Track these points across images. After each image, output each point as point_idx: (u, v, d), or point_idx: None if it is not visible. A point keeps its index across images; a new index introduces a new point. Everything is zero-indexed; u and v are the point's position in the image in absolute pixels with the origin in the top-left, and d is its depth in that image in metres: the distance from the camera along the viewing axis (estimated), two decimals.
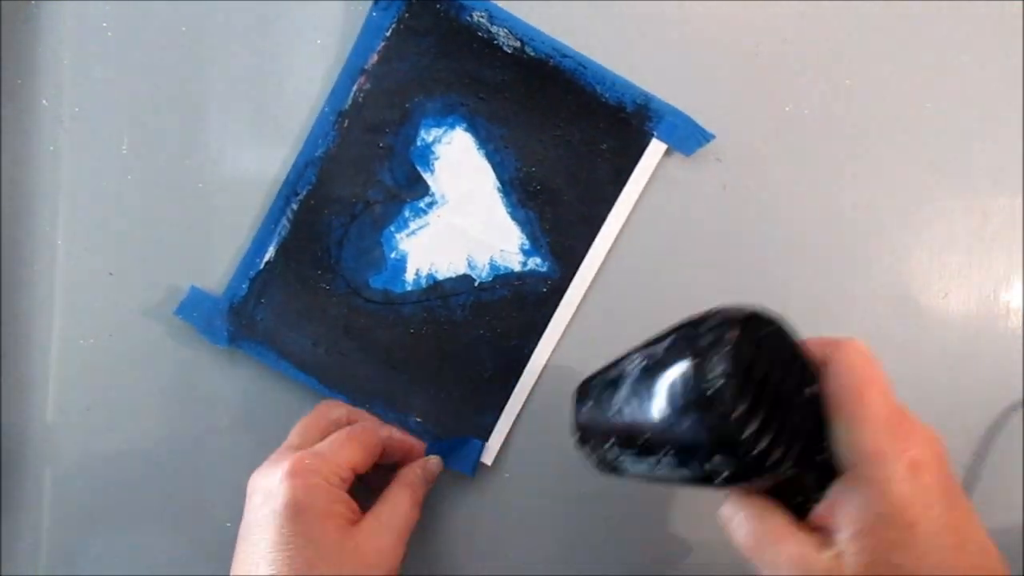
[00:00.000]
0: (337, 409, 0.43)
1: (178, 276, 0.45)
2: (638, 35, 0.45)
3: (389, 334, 0.44)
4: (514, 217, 0.44)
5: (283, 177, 0.44)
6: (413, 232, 0.45)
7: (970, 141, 0.46)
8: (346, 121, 0.44)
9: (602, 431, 0.31)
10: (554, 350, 0.45)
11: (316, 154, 0.44)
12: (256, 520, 0.36)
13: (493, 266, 0.45)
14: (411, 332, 0.44)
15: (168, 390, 0.45)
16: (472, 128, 0.44)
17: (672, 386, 0.28)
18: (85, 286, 0.45)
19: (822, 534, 0.28)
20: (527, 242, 0.44)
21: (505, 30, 0.43)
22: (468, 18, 0.43)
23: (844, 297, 0.46)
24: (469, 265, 0.44)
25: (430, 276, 0.44)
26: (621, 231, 0.45)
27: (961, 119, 0.46)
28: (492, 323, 0.44)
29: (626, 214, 0.44)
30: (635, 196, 0.44)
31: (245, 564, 0.35)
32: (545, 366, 0.45)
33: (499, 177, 0.44)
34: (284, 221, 0.44)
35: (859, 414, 0.29)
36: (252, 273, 0.44)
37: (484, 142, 0.44)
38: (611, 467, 0.32)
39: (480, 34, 0.43)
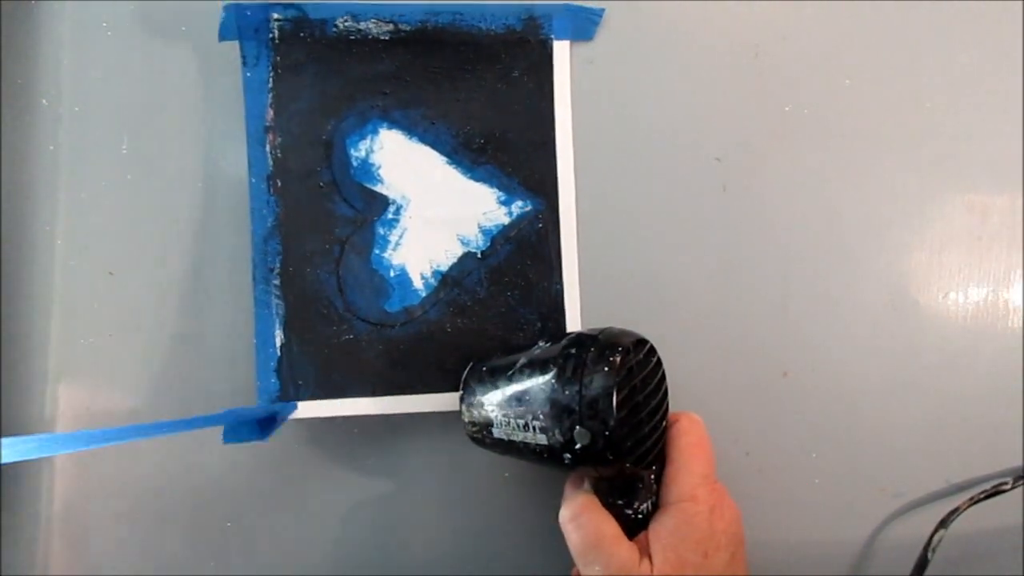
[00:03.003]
0: None
1: (178, 275, 0.45)
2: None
3: (431, 344, 0.44)
4: (476, 178, 0.45)
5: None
6: (397, 244, 0.44)
7: (970, 141, 0.46)
8: (278, 181, 0.44)
9: (485, 394, 0.39)
10: (580, 275, 0.45)
11: (268, 225, 0.44)
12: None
13: (485, 231, 0.45)
14: (448, 331, 0.44)
15: (167, 389, 0.45)
16: (393, 123, 0.44)
17: (561, 372, 0.36)
18: (85, 286, 0.45)
19: (640, 549, 0.36)
20: (501, 193, 0.45)
21: (373, 21, 0.44)
22: (334, 29, 0.43)
23: (844, 297, 0.46)
24: (463, 243, 0.45)
25: (436, 273, 0.45)
26: (575, 134, 0.45)
27: (961, 119, 0.46)
28: (513, 281, 0.45)
29: (569, 118, 0.45)
30: (567, 99, 0.45)
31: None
32: (580, 294, 0.45)
33: (442, 152, 0.45)
34: (274, 300, 0.44)
35: (685, 466, 0.37)
36: (273, 364, 0.44)
37: (411, 129, 0.44)
38: (481, 427, 0.39)
39: (353, 37, 0.44)
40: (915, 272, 0.46)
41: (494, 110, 0.45)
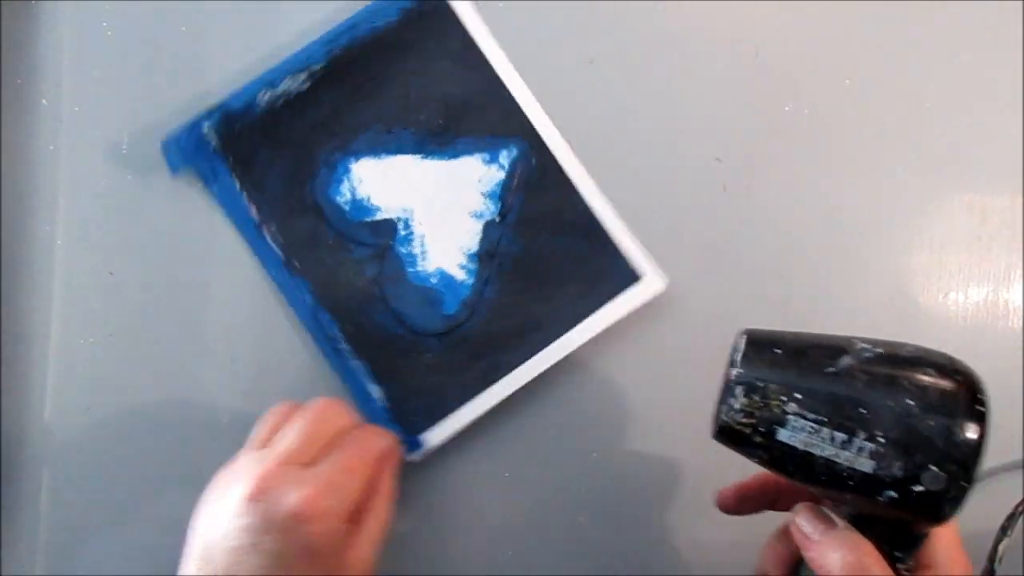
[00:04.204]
0: (341, 418, 0.40)
1: (178, 275, 0.45)
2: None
3: (498, 321, 0.44)
4: (455, 156, 0.45)
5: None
6: (423, 253, 0.45)
7: (970, 141, 0.46)
8: (295, 263, 0.44)
9: (783, 382, 0.31)
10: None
11: (309, 304, 0.44)
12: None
13: (491, 195, 0.44)
14: (508, 301, 0.44)
15: (168, 389, 0.45)
16: (360, 154, 0.44)
17: (922, 394, 0.30)
18: (85, 286, 0.45)
19: None
20: (484, 154, 0.44)
21: (287, 79, 0.43)
22: (259, 106, 0.43)
23: (844, 297, 0.46)
24: (478, 217, 0.44)
25: (471, 257, 0.44)
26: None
27: (961, 119, 0.46)
28: (541, 220, 0.44)
29: (506, 61, 0.44)
30: (495, 46, 0.44)
31: None
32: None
33: (413, 152, 0.45)
34: (353, 363, 0.44)
35: (956, 538, 0.35)
36: (386, 416, 0.44)
37: (375, 149, 0.44)
38: (761, 422, 0.31)
39: (280, 103, 0.43)
40: (915, 272, 0.46)
41: (433, 89, 0.44)
